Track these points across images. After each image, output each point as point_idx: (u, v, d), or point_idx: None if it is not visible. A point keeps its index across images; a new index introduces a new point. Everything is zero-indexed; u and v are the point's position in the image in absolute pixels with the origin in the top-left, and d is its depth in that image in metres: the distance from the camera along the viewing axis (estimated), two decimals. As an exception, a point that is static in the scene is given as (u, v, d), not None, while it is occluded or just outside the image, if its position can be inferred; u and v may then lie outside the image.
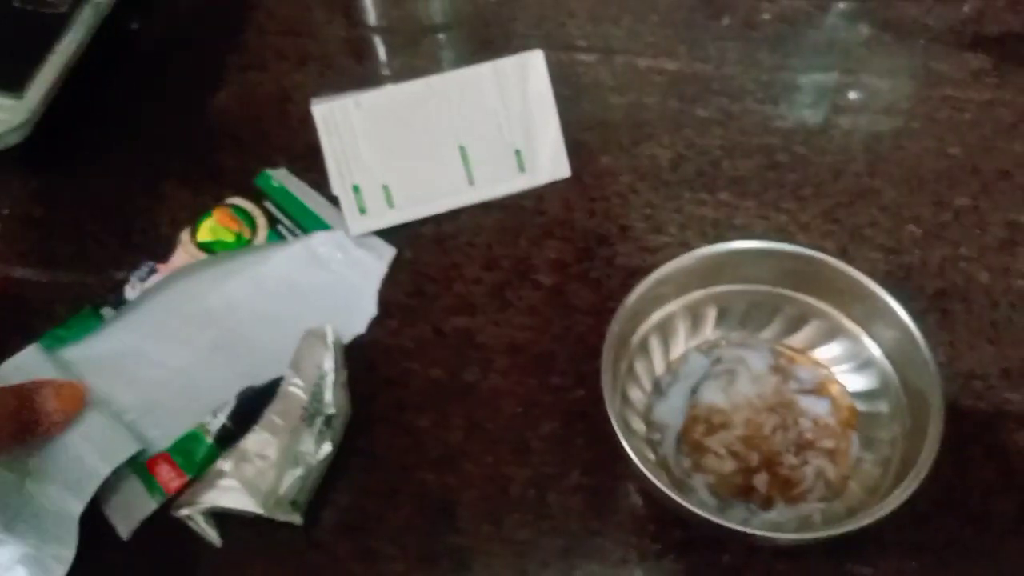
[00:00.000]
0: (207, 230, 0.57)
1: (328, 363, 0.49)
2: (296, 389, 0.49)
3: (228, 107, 0.66)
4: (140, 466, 0.49)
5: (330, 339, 0.50)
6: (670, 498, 0.43)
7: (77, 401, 0.47)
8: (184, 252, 0.57)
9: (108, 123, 0.65)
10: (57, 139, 0.63)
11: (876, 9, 0.70)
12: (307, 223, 0.58)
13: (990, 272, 0.57)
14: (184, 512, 0.46)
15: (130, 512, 0.48)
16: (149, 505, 0.48)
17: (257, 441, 0.47)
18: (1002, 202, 0.60)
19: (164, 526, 0.48)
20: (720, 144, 0.63)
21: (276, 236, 0.57)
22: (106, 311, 0.54)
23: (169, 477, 0.48)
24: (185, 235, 0.58)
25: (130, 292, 0.55)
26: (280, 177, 0.60)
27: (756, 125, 0.64)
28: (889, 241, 0.58)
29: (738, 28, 0.69)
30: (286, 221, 0.58)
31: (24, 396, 0.45)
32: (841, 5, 0.71)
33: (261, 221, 0.58)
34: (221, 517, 0.47)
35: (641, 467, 0.44)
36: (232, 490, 0.45)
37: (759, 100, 0.65)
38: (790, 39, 0.68)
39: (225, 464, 0.46)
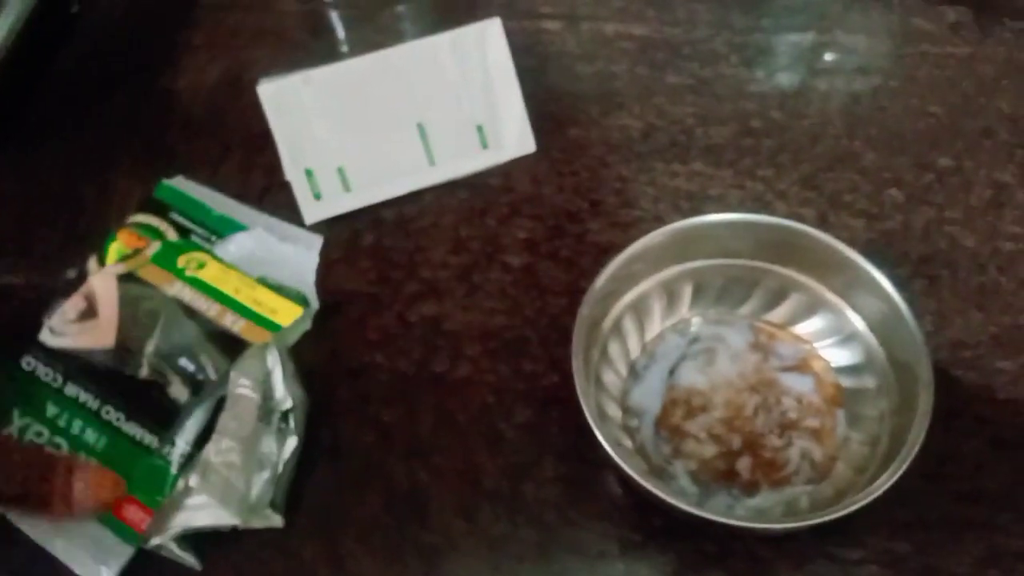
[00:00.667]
0: (115, 253, 0.52)
1: (271, 358, 0.47)
2: (245, 390, 0.46)
3: (178, 89, 0.63)
4: (106, 515, 0.45)
5: (267, 335, 0.48)
6: (647, 488, 0.41)
7: (109, 490, 0.44)
8: (102, 279, 0.51)
9: (51, 110, 0.62)
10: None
11: (851, -36, 0.67)
12: (220, 228, 0.54)
13: (976, 235, 0.55)
14: (156, 542, 0.43)
15: (108, 562, 0.44)
16: (126, 551, 0.44)
17: (219, 449, 0.44)
18: (986, 161, 0.58)
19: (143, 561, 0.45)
20: (693, 112, 0.60)
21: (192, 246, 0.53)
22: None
23: (138, 518, 0.44)
24: (92, 263, 0.52)
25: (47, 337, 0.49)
26: (180, 184, 0.56)
27: (730, 91, 0.61)
28: (870, 206, 0.56)
29: (709, -11, 0.66)
30: (198, 230, 0.54)
31: (56, 466, 0.42)
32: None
33: (171, 234, 0.53)
34: (194, 536, 0.44)
35: (616, 457, 0.42)
36: (204, 507, 0.42)
37: (732, 64, 0.62)
38: (763, 0, 0.66)
39: (191, 479, 0.44)
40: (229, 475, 0.43)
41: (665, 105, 0.61)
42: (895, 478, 0.40)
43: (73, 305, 0.48)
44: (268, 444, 0.44)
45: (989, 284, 0.53)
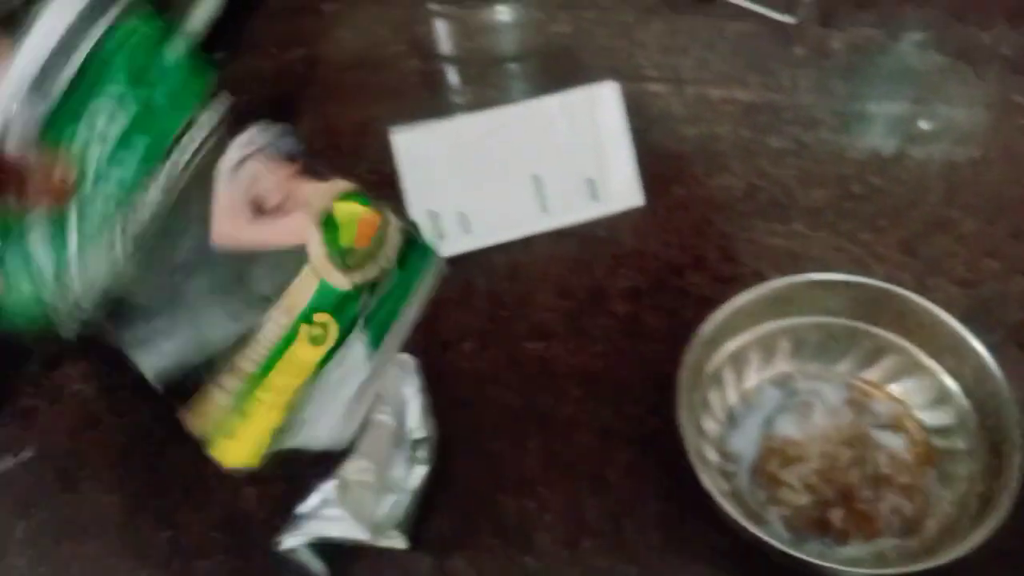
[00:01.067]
0: None
1: (410, 389, 0.51)
2: (384, 416, 0.50)
3: (306, 138, 0.68)
4: None
5: (410, 365, 0.51)
6: (747, 530, 0.43)
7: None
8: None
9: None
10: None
11: (949, 38, 0.69)
12: None
13: (1071, 306, 0.56)
14: (289, 544, 0.47)
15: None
16: None
17: (356, 468, 0.48)
18: (1083, 234, 0.59)
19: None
20: (794, 174, 0.63)
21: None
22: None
23: None
24: None
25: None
26: None
27: (830, 155, 0.64)
28: (967, 273, 0.58)
29: (810, 57, 0.69)
30: None
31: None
32: (914, 35, 0.71)
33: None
34: (322, 545, 0.47)
35: (719, 499, 0.44)
36: (339, 520, 0.46)
37: (832, 129, 0.65)
38: (862, 68, 0.68)
39: (328, 492, 0.47)
40: (363, 494, 0.46)
41: (767, 167, 0.63)
42: (983, 537, 0.42)
43: None
44: (399, 469, 0.48)
45: (1084, 354, 0.54)
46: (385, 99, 0.70)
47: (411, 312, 0.44)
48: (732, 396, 0.53)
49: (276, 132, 0.45)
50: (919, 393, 0.51)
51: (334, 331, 0.42)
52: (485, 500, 0.51)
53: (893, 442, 0.51)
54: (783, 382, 0.53)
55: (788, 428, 0.51)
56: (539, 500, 0.51)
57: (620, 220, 0.61)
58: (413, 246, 0.44)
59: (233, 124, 0.44)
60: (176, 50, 0.43)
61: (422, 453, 0.49)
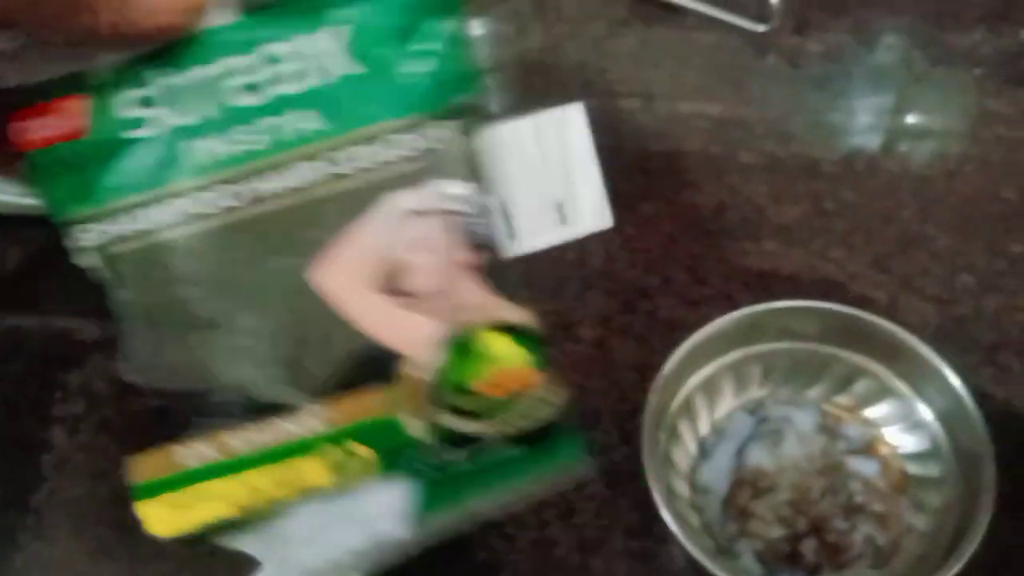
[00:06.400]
0: None
1: None
2: None
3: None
4: None
5: None
6: (710, 569, 0.43)
7: None
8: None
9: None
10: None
11: (924, 45, 0.68)
12: None
13: (1048, 322, 0.55)
14: None
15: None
16: None
17: None
18: (1061, 247, 0.58)
19: None
20: (765, 190, 0.62)
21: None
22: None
23: None
24: None
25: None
26: None
27: (802, 170, 0.63)
28: (942, 291, 0.57)
29: (783, 67, 0.68)
30: None
31: None
32: (890, 42, 0.70)
33: None
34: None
35: (682, 538, 0.43)
36: None
37: (805, 143, 0.64)
38: (836, 78, 0.67)
39: None
40: None
41: (737, 183, 0.62)
42: (955, 569, 0.41)
43: None
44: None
45: (1061, 373, 0.53)
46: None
47: (497, 503, 0.34)
48: (704, 426, 0.52)
49: (482, 204, 0.35)
50: (892, 418, 0.50)
51: (368, 467, 0.33)
52: (455, 543, 0.50)
53: (867, 468, 0.50)
54: (755, 409, 0.52)
55: (759, 457, 0.50)
56: (508, 539, 0.50)
57: (589, 243, 0.60)
58: (555, 431, 0.34)
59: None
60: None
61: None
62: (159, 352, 0.33)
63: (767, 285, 0.58)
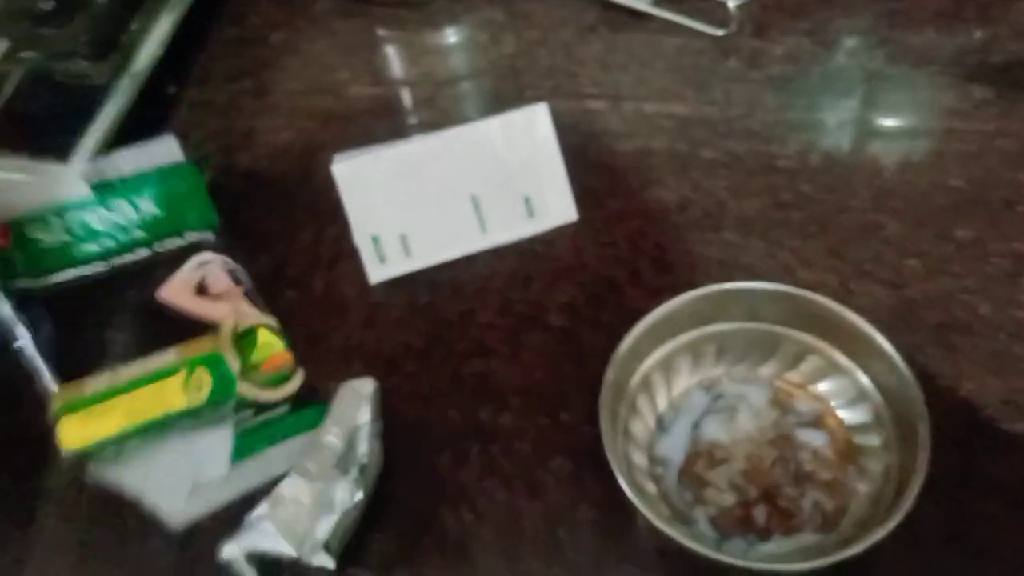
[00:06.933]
0: None
1: (364, 415, 0.53)
2: (333, 438, 0.52)
3: (256, 168, 0.70)
4: None
5: (368, 391, 0.54)
6: (666, 533, 0.46)
7: None
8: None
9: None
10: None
11: (880, 44, 0.72)
12: None
13: (993, 304, 0.58)
14: (226, 555, 0.49)
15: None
16: None
17: (292, 486, 0.50)
18: (1007, 232, 0.61)
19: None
20: (726, 185, 0.65)
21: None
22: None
23: None
24: None
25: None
26: None
27: (762, 166, 0.66)
28: (892, 276, 0.60)
29: (744, 70, 0.72)
30: None
31: None
32: (847, 42, 0.73)
33: None
34: (263, 561, 0.50)
35: (638, 504, 0.46)
36: (269, 534, 0.48)
37: (765, 140, 0.67)
38: (795, 78, 0.71)
39: (263, 508, 0.50)
40: (298, 512, 0.49)
41: (700, 179, 0.66)
42: (890, 527, 0.44)
43: None
44: (341, 491, 0.50)
45: (1004, 351, 0.56)
46: (333, 125, 0.72)
47: (283, 456, 0.52)
48: (662, 402, 0.55)
49: (232, 260, 0.60)
50: (839, 392, 0.53)
51: (203, 395, 0.52)
52: (427, 516, 0.53)
53: (816, 439, 0.53)
54: (710, 386, 0.55)
55: (715, 431, 0.53)
56: (478, 512, 0.53)
57: (557, 236, 0.63)
58: (310, 405, 0.54)
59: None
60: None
61: (364, 479, 0.51)
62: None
63: (727, 273, 0.61)
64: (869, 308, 0.55)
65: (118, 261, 0.59)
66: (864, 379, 0.52)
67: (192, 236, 0.61)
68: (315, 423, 0.53)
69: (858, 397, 0.52)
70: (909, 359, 0.50)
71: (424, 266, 0.62)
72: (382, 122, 0.72)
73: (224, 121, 0.74)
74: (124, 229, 0.57)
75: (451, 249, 0.62)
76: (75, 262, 0.58)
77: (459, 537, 0.52)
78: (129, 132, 0.68)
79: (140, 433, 0.52)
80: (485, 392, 0.57)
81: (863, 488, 0.50)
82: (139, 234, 0.58)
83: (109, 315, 0.61)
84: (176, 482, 0.51)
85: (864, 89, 0.70)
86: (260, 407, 0.55)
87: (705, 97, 0.70)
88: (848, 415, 0.53)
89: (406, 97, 0.75)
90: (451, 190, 0.62)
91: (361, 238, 0.61)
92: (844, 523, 0.50)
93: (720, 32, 0.72)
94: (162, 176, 0.60)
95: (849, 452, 0.52)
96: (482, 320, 0.60)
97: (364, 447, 0.52)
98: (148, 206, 0.59)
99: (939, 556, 0.49)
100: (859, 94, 0.70)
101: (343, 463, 0.52)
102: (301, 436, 0.53)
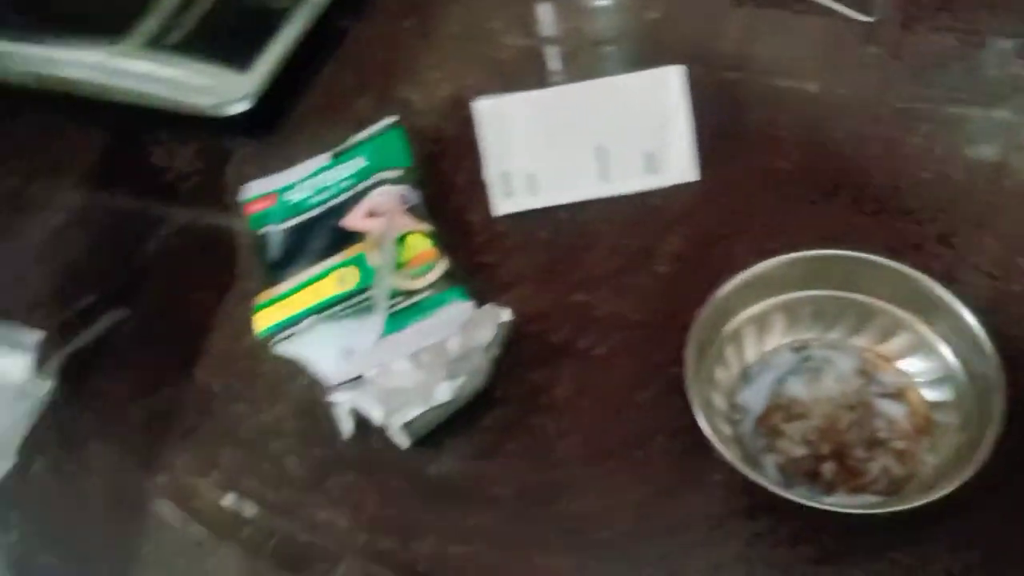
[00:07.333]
0: None
1: (487, 337, 0.58)
2: (453, 345, 0.59)
3: (412, 101, 0.77)
4: None
5: (501, 319, 0.59)
6: (737, 467, 0.49)
7: None
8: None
9: (312, 105, 0.77)
10: (271, 112, 0.76)
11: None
12: None
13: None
14: (333, 399, 0.58)
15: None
16: None
17: (402, 368, 0.58)
18: None
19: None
20: (847, 164, 0.67)
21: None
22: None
23: None
24: None
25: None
26: None
27: (886, 150, 0.68)
28: (998, 270, 0.61)
29: (884, 58, 0.73)
30: None
31: None
32: (998, 43, 0.73)
33: None
34: (358, 416, 0.58)
35: (709, 433, 0.50)
36: (368, 397, 0.56)
37: (892, 126, 0.69)
38: (935, 73, 0.71)
39: (373, 375, 0.58)
40: (396, 389, 0.57)
41: (822, 156, 0.68)
42: (953, 486, 0.47)
43: None
44: (440, 389, 0.56)
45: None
46: (482, 69, 0.77)
47: (420, 335, 0.60)
48: (751, 355, 0.58)
49: (402, 186, 0.68)
50: (925, 370, 0.55)
51: (349, 285, 0.64)
52: (517, 422, 0.58)
53: (894, 410, 0.55)
54: (800, 348, 0.58)
55: (797, 389, 0.56)
56: (567, 424, 0.58)
57: (674, 192, 0.67)
58: (452, 288, 0.62)
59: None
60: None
61: (464, 388, 0.57)
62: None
63: (835, 245, 0.62)
64: (970, 296, 0.56)
65: (331, 203, 0.68)
66: (952, 360, 0.54)
67: (384, 175, 0.69)
68: (456, 301, 0.62)
69: (944, 377, 0.54)
70: (1001, 347, 0.51)
71: (546, 205, 0.67)
72: (526, 72, 0.77)
73: (387, 54, 0.80)
74: (343, 180, 0.68)
75: (573, 192, 0.67)
76: (307, 209, 0.69)
77: (544, 444, 0.57)
78: (302, 55, 0.75)
79: (309, 316, 0.63)
80: (586, 322, 0.62)
81: (932, 460, 0.52)
82: (349, 182, 0.68)
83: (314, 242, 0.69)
84: (335, 352, 0.60)
85: (1001, 88, 0.70)
86: (408, 293, 0.62)
87: (839, 79, 0.72)
88: (930, 393, 0.55)
89: (552, 51, 0.80)
90: (580, 138, 0.67)
91: (492, 173, 0.67)
92: (908, 490, 0.52)
93: (866, 19, 0.74)
94: (379, 141, 0.71)
95: (926, 427, 0.54)
96: (592, 258, 0.65)
97: (474, 364, 0.58)
98: (361, 162, 0.69)
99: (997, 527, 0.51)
100: (997, 93, 0.70)
101: (452, 368, 0.57)
102: (437, 315, 0.61)
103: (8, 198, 0.77)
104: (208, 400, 0.63)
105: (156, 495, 0.58)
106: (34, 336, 0.63)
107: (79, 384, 0.64)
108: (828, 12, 0.75)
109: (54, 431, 0.62)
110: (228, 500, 0.57)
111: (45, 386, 0.62)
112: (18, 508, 0.59)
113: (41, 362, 0.63)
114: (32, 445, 0.61)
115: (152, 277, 0.70)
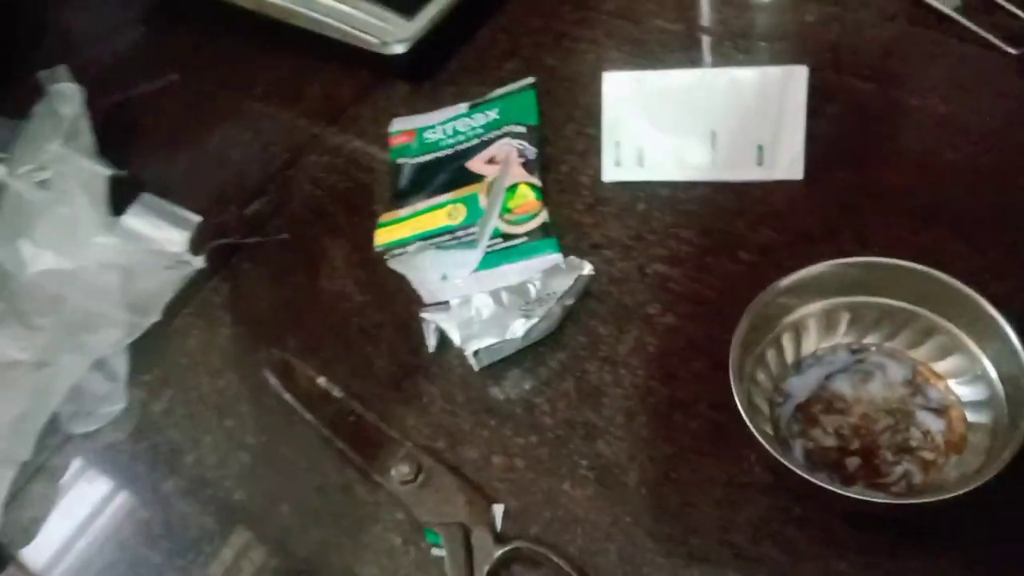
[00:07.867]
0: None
1: (563, 287, 0.64)
2: (532, 287, 0.65)
3: (555, 68, 0.82)
4: None
5: (583, 272, 0.65)
6: (760, 440, 0.53)
7: None
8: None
9: (464, 63, 0.85)
10: (426, 60, 0.84)
11: None
12: None
13: None
14: (422, 315, 0.66)
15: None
16: None
17: (483, 301, 0.65)
18: None
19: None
20: (954, 189, 0.68)
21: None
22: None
23: None
24: None
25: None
26: None
27: (998, 180, 0.68)
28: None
29: (1022, 92, 0.72)
30: None
31: None
32: None
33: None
34: (442, 335, 0.66)
35: (741, 408, 0.54)
36: (450, 320, 0.65)
37: (1010, 160, 0.69)
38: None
39: (457, 302, 0.66)
40: (474, 318, 0.65)
41: (931, 173, 0.69)
42: (970, 486, 0.49)
43: None
44: (514, 326, 0.63)
45: None
46: (630, 47, 0.82)
47: (509, 275, 0.67)
48: (807, 348, 0.61)
49: (523, 142, 0.75)
50: (973, 392, 0.57)
51: (457, 219, 0.72)
52: (574, 366, 0.64)
53: (933, 424, 0.57)
54: (858, 350, 0.60)
55: (844, 386, 0.59)
56: (619, 377, 0.63)
57: (776, 187, 0.70)
58: (546, 239, 0.69)
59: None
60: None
61: (534, 329, 0.63)
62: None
63: (919, 260, 0.64)
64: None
65: (460, 146, 0.77)
66: (1000, 389, 0.55)
67: (510, 128, 0.76)
68: (545, 250, 0.68)
69: (988, 401, 0.56)
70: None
71: (650, 179, 0.72)
72: (668, 55, 0.81)
73: (543, 22, 0.87)
74: (475, 128, 0.77)
75: (678, 171, 0.71)
76: (439, 148, 0.78)
77: (594, 390, 0.62)
78: (463, 14, 0.83)
79: (420, 240, 0.71)
80: (660, 292, 0.66)
81: (955, 474, 0.54)
82: (479, 130, 0.77)
83: (438, 177, 0.77)
84: (436, 275, 0.68)
85: None
86: (507, 236, 0.69)
87: (969, 105, 0.72)
88: (972, 415, 0.56)
89: (696, 39, 0.83)
90: (696, 122, 0.71)
91: (606, 140, 0.72)
92: (925, 495, 0.54)
93: (1014, 51, 0.73)
94: (513, 98, 0.79)
95: (959, 445, 0.56)
96: (682, 236, 0.69)
97: (549, 308, 0.63)
98: (494, 114, 0.77)
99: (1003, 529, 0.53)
100: None
101: (528, 309, 0.64)
102: (527, 260, 0.68)
103: (201, 103, 0.89)
104: (323, 298, 0.72)
105: (264, 365, 0.68)
106: (195, 219, 0.75)
107: (223, 267, 0.75)
108: (976, 38, 0.75)
109: (195, 300, 0.73)
110: (321, 381, 0.66)
111: (197, 261, 0.73)
112: (155, 353, 0.71)
113: (197, 243, 0.74)
114: (175, 306, 0.72)
115: (300, 186, 0.80)
